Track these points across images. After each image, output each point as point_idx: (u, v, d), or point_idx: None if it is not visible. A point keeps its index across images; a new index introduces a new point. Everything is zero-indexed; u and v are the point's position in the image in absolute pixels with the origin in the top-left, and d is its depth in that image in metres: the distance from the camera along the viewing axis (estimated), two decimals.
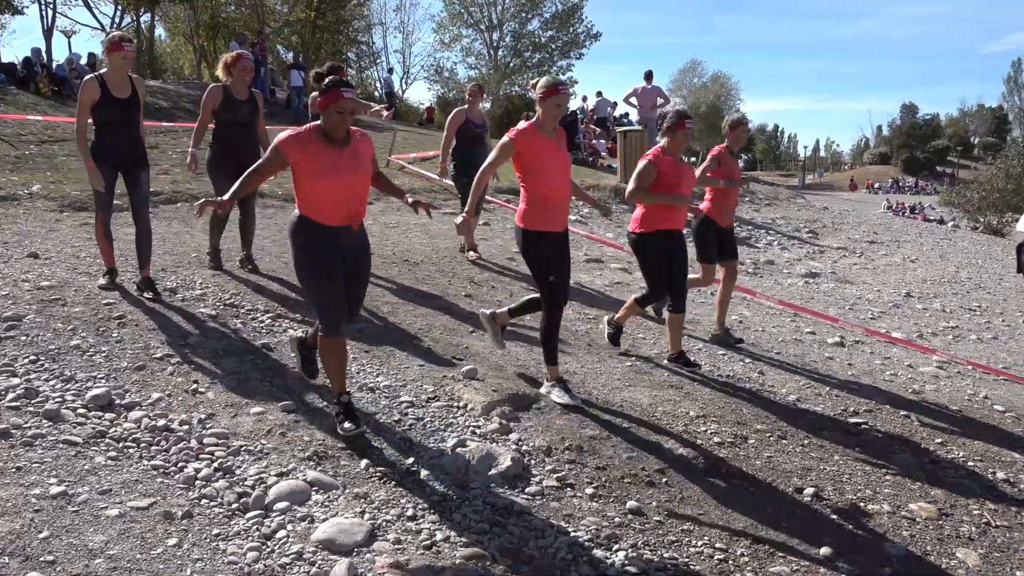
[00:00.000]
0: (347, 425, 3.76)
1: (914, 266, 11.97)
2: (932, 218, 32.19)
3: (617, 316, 5.76)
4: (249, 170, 3.77)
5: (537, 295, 4.75)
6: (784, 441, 4.51)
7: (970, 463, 4.51)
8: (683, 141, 5.34)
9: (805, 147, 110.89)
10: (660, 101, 15.16)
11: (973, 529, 3.76)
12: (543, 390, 4.68)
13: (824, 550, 3.39)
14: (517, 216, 4.61)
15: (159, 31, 37.50)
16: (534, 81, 4.72)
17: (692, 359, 5.60)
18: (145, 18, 29.31)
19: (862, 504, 3.88)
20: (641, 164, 5.31)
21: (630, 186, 5.30)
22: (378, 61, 41.88)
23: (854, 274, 10.88)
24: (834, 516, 3.73)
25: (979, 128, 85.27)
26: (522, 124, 4.54)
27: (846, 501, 3.89)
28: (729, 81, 63.64)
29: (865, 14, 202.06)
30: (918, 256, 12.88)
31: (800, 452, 4.40)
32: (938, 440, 4.78)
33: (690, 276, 5.87)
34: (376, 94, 34.78)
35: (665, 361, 5.60)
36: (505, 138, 4.48)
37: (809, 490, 3.93)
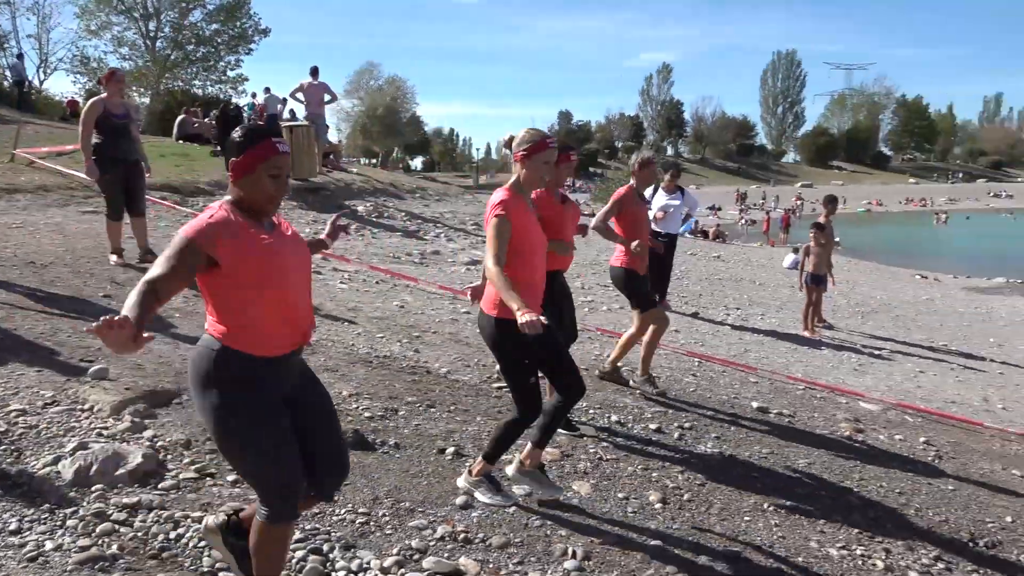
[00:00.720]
0: None
1: None
2: (586, 212, 36.12)
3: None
4: (144, 287, 2.16)
5: (511, 419, 3.64)
6: (432, 409, 4.78)
7: (591, 411, 5.17)
8: (565, 175, 4.52)
9: (478, 149, 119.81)
10: (327, 97, 15.14)
11: (588, 465, 4.32)
12: (461, 483, 3.77)
13: (459, 499, 3.66)
14: (485, 301, 3.56)
15: None
16: (508, 137, 3.68)
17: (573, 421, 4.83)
18: None
19: None
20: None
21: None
22: (5, 46, 36.24)
23: None
24: None
25: (622, 133, 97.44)
26: (500, 193, 3.53)
27: None
28: (405, 84, 65.61)
29: (519, 27, 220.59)
30: None
31: (446, 418, 4.71)
32: None
33: (627, 333, 5.71)
34: (4, 83, 30.11)
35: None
36: (495, 218, 3.39)
37: (451, 450, 4.22)
